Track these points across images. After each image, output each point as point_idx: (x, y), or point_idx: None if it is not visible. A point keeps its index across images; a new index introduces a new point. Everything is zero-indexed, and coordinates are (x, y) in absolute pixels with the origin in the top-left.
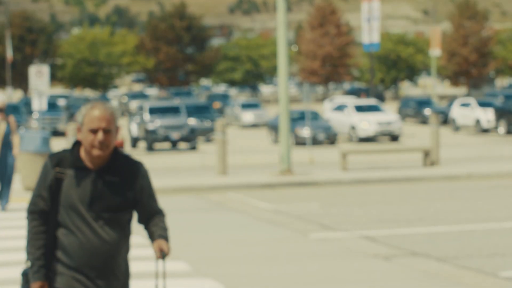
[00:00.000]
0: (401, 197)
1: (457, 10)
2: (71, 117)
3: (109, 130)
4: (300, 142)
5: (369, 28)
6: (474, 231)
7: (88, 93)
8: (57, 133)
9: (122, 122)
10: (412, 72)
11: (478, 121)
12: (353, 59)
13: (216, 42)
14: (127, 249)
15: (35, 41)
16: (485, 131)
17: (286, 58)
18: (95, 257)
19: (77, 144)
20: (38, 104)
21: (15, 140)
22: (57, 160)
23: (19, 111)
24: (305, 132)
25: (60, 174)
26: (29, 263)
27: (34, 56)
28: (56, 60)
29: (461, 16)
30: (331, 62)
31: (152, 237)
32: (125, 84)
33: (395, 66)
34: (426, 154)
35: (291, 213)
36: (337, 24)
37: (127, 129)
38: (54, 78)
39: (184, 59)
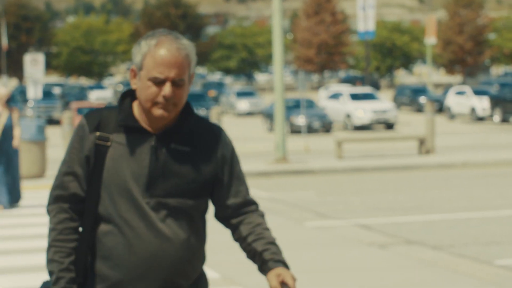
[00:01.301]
0: (397, 185)
1: None
2: (66, 105)
3: (181, 81)
4: (295, 130)
5: (364, 16)
6: (469, 219)
7: (83, 81)
8: (52, 121)
9: None
10: (407, 60)
11: (473, 109)
12: (349, 47)
13: (212, 30)
14: (203, 256)
15: (30, 29)
16: (480, 119)
17: (282, 46)
18: (154, 267)
19: (127, 96)
20: (33, 92)
21: (16, 132)
22: (97, 120)
23: (14, 99)
24: (301, 120)
25: (103, 140)
26: (52, 277)
27: (29, 44)
28: (51, 48)
29: (456, 4)
30: (327, 50)
31: (254, 255)
32: (120, 72)
33: (391, 54)
34: (421, 142)
35: (287, 201)
36: (333, 12)
37: None
38: (49, 66)
39: None
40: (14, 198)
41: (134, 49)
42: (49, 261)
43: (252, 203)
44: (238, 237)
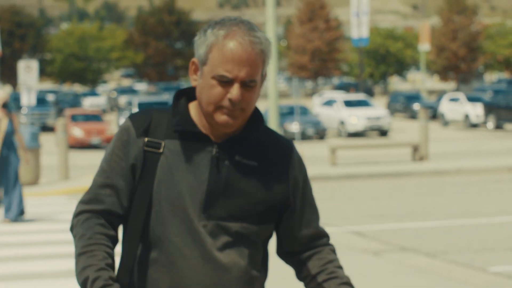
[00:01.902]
0: (390, 192)
1: (446, 5)
2: (60, 112)
3: (253, 82)
4: (289, 137)
5: (358, 23)
6: (463, 226)
7: (77, 88)
8: (46, 128)
9: (111, 117)
10: (401, 67)
11: (467, 116)
12: (342, 54)
13: None
14: None
15: (24, 36)
16: (474, 126)
17: (275, 53)
18: None
19: (182, 96)
20: (27, 99)
21: (20, 139)
22: (147, 123)
23: (8, 106)
24: (294, 127)
25: (153, 147)
26: (87, 284)
27: (23, 51)
28: (45, 55)
29: (450, 11)
30: (320, 57)
31: None
32: (114, 79)
33: (384, 60)
34: (415, 149)
35: None
36: (326, 19)
37: (116, 125)
38: (43, 73)
39: (173, 54)
40: (19, 210)
41: (197, 39)
42: (80, 272)
43: (324, 235)
44: (305, 275)
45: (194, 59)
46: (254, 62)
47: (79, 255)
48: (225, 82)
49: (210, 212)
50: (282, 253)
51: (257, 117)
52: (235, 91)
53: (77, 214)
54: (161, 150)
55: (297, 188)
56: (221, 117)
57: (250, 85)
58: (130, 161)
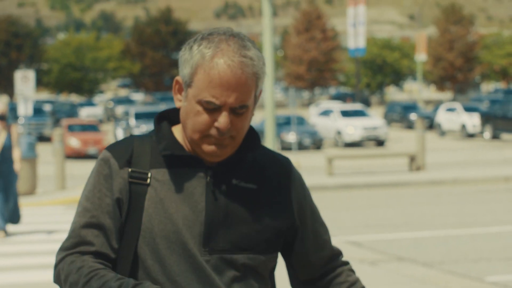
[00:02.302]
0: (387, 202)
1: (443, 15)
2: (57, 122)
3: (243, 108)
4: (286, 147)
5: (354, 33)
6: (460, 236)
7: (74, 98)
8: (43, 138)
9: (108, 127)
10: (398, 77)
11: (463, 126)
12: (339, 64)
13: None
14: None
15: (20, 46)
16: (471, 136)
17: (272, 63)
18: None
19: (163, 119)
20: (24, 109)
21: (16, 154)
22: (129, 153)
23: (6, 118)
24: (291, 137)
25: (139, 178)
26: None
27: (20, 61)
28: (42, 65)
29: (446, 21)
30: (317, 67)
31: None
32: (111, 89)
33: (381, 71)
34: (412, 159)
35: None
36: (323, 29)
37: (113, 134)
38: (40, 83)
39: (170, 64)
40: (15, 218)
41: (181, 55)
42: None
43: (339, 253)
44: None
45: (178, 78)
46: (245, 86)
47: (84, 284)
48: (212, 110)
49: (211, 245)
50: (297, 284)
51: (252, 135)
52: (222, 119)
53: (60, 261)
54: (148, 182)
55: (302, 210)
56: (208, 147)
57: (240, 112)
58: (115, 196)
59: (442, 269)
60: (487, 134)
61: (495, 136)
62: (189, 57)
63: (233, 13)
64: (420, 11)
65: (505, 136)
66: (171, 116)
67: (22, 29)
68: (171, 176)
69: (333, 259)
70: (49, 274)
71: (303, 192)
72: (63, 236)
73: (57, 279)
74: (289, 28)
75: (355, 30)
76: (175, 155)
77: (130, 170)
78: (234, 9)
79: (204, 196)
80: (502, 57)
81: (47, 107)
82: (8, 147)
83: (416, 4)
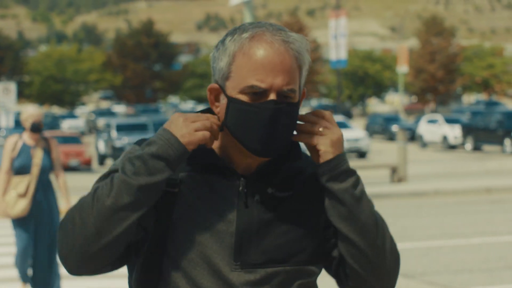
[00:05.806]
0: None
1: (424, 27)
2: None
3: (292, 91)
4: None
5: (336, 45)
6: (441, 247)
7: (56, 110)
8: None
9: (89, 139)
10: (379, 89)
11: (445, 138)
12: (321, 76)
13: (184, 59)
14: None
15: (2, 58)
16: (452, 147)
17: None
18: None
19: None
20: (5, 121)
21: (61, 181)
22: None
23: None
24: None
25: (167, 185)
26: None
27: (1, 73)
28: (23, 77)
29: (428, 33)
30: None
31: None
32: (93, 101)
33: (363, 82)
34: (394, 170)
35: None
36: None
37: (95, 147)
38: (22, 95)
39: (152, 76)
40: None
41: (212, 54)
42: (125, 164)
43: None
44: None
45: (211, 86)
46: (291, 67)
47: (111, 180)
48: (258, 95)
49: (243, 258)
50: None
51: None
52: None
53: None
54: (176, 190)
55: None
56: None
57: (290, 95)
58: None
59: (424, 281)
60: (469, 145)
61: (476, 148)
62: (223, 50)
63: (215, 25)
64: (402, 23)
65: (486, 147)
66: None
67: (4, 41)
68: (201, 183)
69: None
70: None
71: None
72: None
73: (90, 206)
74: None
75: (336, 42)
76: (207, 163)
77: None
78: (215, 21)
79: (235, 205)
80: (483, 68)
81: None
82: (47, 170)
83: (397, 16)
